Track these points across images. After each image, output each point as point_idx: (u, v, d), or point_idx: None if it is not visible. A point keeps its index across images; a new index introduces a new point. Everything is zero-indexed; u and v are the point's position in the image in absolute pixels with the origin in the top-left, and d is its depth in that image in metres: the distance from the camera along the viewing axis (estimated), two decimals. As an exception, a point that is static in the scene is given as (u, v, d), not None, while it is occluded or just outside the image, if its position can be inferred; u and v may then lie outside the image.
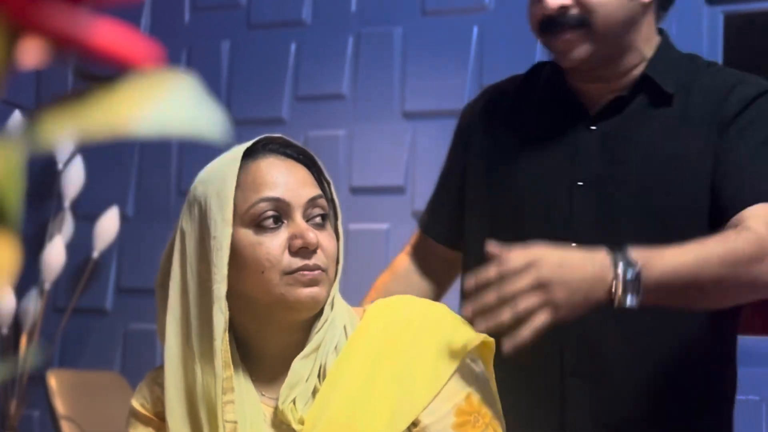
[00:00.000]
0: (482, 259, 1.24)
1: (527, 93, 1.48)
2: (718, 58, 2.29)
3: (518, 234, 1.35)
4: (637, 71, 1.37)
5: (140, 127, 0.25)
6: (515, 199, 1.44)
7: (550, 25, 1.32)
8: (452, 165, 1.57)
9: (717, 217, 1.31)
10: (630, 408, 1.37)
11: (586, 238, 1.32)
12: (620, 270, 1.06)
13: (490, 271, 1.03)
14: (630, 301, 1.06)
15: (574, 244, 1.33)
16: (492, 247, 1.06)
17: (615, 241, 1.24)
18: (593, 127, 1.39)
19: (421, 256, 1.54)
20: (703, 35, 2.32)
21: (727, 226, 1.28)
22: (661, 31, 1.43)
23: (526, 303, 1.00)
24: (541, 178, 1.44)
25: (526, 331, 1.02)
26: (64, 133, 0.26)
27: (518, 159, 1.47)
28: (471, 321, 1.09)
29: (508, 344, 1.06)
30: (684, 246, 1.16)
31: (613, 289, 1.06)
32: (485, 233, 1.38)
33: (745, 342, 1.88)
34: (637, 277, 1.07)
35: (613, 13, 1.33)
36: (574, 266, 1.07)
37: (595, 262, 1.08)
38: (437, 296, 1.44)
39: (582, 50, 1.32)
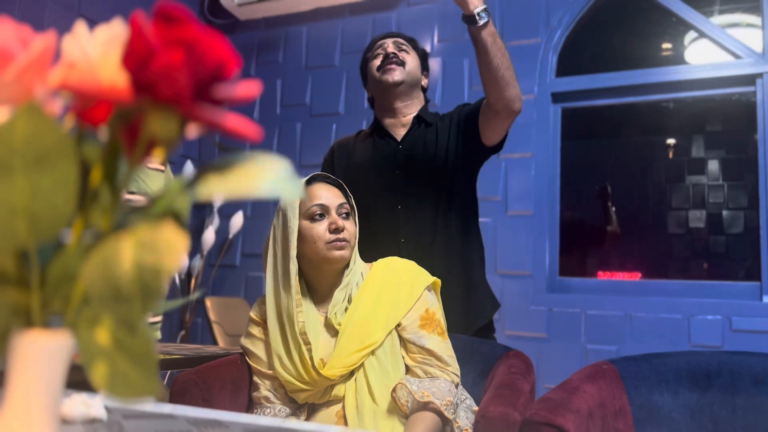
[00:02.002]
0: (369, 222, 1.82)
1: (360, 136, 2.09)
2: (558, 130, 3.17)
3: (370, 199, 1.87)
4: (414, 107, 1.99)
5: (257, 193, 0.35)
6: (368, 184, 1.91)
7: (386, 59, 1.95)
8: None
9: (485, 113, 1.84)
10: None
11: (403, 199, 1.90)
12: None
13: None
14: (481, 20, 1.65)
15: (399, 206, 1.89)
16: None
17: (409, 197, 1.88)
18: (400, 146, 1.97)
19: None
20: (550, 118, 3.15)
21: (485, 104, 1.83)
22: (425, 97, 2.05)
23: None
24: (379, 172, 1.95)
25: None
26: (213, 192, 0.36)
27: (366, 165, 1.98)
28: None
29: None
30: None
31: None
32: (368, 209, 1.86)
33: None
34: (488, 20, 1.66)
35: (414, 72, 1.98)
36: None
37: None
38: None
39: (400, 76, 1.95)
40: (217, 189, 0.37)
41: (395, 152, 1.95)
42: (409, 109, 1.98)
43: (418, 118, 1.97)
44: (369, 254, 1.66)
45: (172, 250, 0.34)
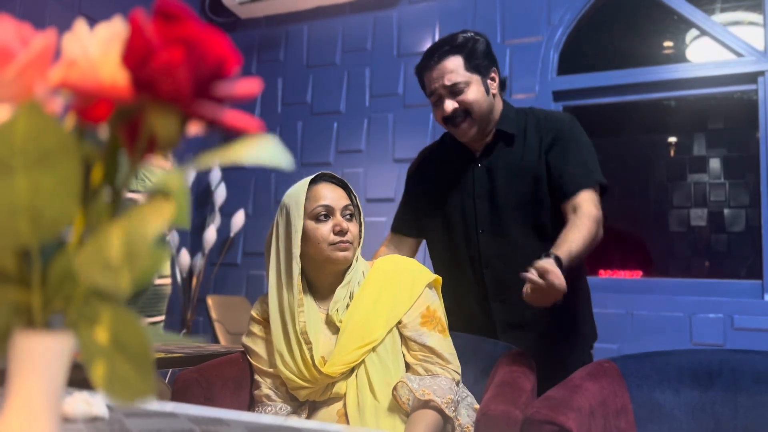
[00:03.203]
0: (439, 246, 1.78)
1: (442, 150, 1.91)
2: None
3: (451, 225, 1.79)
4: (494, 128, 1.79)
5: (248, 158, 0.36)
6: (446, 207, 1.83)
7: (449, 120, 1.74)
8: (407, 195, 1.97)
9: (559, 199, 1.69)
10: (522, 318, 1.75)
11: (484, 225, 1.77)
12: (554, 260, 1.41)
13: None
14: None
15: (480, 230, 1.76)
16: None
17: (500, 222, 1.73)
18: (479, 165, 1.81)
19: (394, 245, 1.95)
20: None
21: (569, 207, 1.65)
22: (502, 99, 1.82)
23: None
24: (458, 194, 1.82)
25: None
26: (211, 161, 0.37)
27: (445, 186, 1.84)
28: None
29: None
30: (570, 240, 1.51)
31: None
32: (438, 229, 1.85)
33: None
34: (559, 260, 1.43)
35: (481, 106, 1.73)
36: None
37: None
38: None
39: (471, 129, 1.75)
40: (213, 159, 0.37)
41: (474, 173, 1.82)
42: (489, 127, 1.80)
43: (498, 133, 1.79)
44: (446, 286, 1.60)
45: (157, 214, 0.34)
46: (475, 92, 1.72)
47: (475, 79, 1.73)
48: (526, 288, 1.38)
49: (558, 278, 1.36)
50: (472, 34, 1.77)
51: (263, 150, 0.37)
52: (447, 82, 1.71)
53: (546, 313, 1.59)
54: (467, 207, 1.80)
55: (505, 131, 1.78)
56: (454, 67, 1.71)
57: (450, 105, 1.71)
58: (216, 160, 0.37)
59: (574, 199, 1.67)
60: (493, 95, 1.77)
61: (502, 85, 1.81)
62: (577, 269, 1.67)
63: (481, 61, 1.74)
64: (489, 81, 1.76)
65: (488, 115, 1.76)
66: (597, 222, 1.62)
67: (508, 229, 1.76)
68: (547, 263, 1.38)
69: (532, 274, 1.37)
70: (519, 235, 1.75)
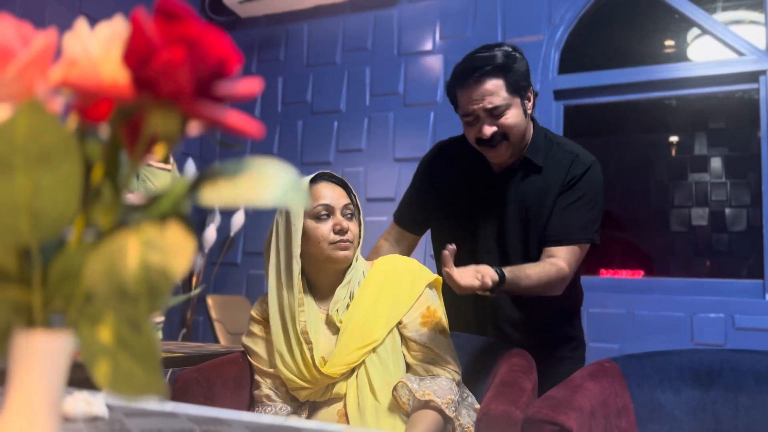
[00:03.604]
0: (442, 242, 1.56)
1: (462, 152, 1.79)
2: (560, 128, 3.16)
3: (457, 235, 1.68)
4: (521, 153, 1.71)
5: (262, 201, 0.35)
6: (457, 216, 1.80)
7: (485, 143, 1.65)
8: (415, 189, 1.91)
9: (542, 240, 1.67)
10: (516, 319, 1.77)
11: (491, 248, 1.75)
12: (497, 273, 1.43)
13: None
14: (497, 288, 1.43)
15: (486, 251, 1.75)
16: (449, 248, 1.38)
17: (505, 249, 1.72)
18: (498, 187, 1.74)
19: (394, 238, 1.93)
20: (552, 116, 3.15)
21: (544, 254, 1.64)
22: (532, 118, 1.74)
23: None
24: (471, 208, 1.78)
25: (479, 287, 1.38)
26: (218, 199, 0.36)
27: (459, 194, 1.80)
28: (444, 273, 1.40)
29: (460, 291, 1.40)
30: (525, 269, 1.53)
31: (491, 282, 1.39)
32: (445, 233, 1.78)
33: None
34: (502, 279, 1.45)
35: (519, 129, 1.65)
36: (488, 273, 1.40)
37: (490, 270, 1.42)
38: None
39: (507, 153, 1.68)
40: (223, 196, 0.36)
41: (491, 193, 1.77)
42: (519, 151, 1.74)
43: (525, 162, 1.73)
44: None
45: (180, 251, 0.34)
46: (515, 116, 1.64)
47: (516, 102, 1.64)
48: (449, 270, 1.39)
49: (465, 279, 1.37)
50: (510, 49, 1.67)
51: (276, 189, 0.36)
52: (488, 105, 1.61)
53: (544, 317, 1.64)
54: (479, 225, 1.77)
55: (533, 162, 1.72)
56: (495, 89, 1.61)
57: (489, 129, 1.62)
58: (223, 198, 0.37)
59: (554, 249, 1.65)
60: (530, 117, 1.71)
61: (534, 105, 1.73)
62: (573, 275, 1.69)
63: (522, 82, 1.65)
64: (526, 102, 1.68)
65: (524, 137, 1.70)
66: (561, 278, 1.61)
67: (511, 258, 1.71)
68: (482, 267, 1.41)
69: (449, 267, 1.39)
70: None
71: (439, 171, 1.86)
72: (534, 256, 1.69)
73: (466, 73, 1.64)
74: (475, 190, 1.78)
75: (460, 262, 1.58)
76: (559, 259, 1.62)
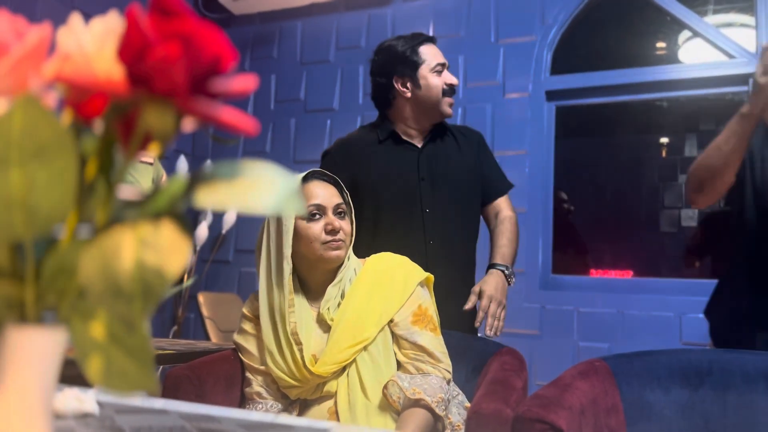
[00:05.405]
0: (374, 225, 1.91)
1: (371, 137, 2.02)
2: (552, 128, 3.22)
3: (391, 206, 1.94)
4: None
5: (258, 209, 0.35)
6: (383, 188, 1.93)
7: (449, 92, 1.97)
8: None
9: (482, 201, 2.04)
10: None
11: (430, 205, 1.94)
12: (508, 273, 1.90)
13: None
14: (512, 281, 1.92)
15: (426, 209, 1.93)
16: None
17: (435, 202, 1.93)
18: (422, 152, 2.00)
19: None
20: (544, 116, 3.20)
21: (491, 209, 2.04)
22: None
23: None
24: (396, 179, 1.96)
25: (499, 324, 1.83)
26: (213, 204, 0.36)
27: (382, 170, 1.95)
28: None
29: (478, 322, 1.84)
30: (502, 245, 1.94)
31: (509, 281, 1.92)
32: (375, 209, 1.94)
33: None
34: (512, 272, 1.91)
35: None
36: (499, 285, 1.85)
37: (502, 276, 1.87)
38: None
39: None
40: (218, 201, 0.36)
41: (418, 158, 1.99)
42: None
43: (438, 126, 2.02)
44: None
45: (176, 252, 0.34)
46: None
47: None
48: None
49: (493, 305, 1.82)
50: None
51: (271, 197, 0.36)
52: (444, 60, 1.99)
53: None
54: (410, 189, 1.95)
55: (447, 128, 2.05)
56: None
57: (453, 77, 1.99)
58: (218, 204, 0.36)
59: (496, 204, 2.05)
60: None
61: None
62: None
63: None
64: None
65: None
66: (516, 222, 2.03)
67: (449, 211, 1.97)
68: (490, 288, 1.85)
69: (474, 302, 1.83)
70: (458, 216, 2.00)
71: (353, 161, 2.03)
72: (468, 204, 2.02)
73: (427, 36, 2.01)
74: (402, 163, 1.99)
75: (400, 224, 1.95)
76: (504, 211, 2.03)
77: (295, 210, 0.37)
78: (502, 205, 2.05)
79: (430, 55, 1.97)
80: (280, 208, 0.36)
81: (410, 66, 1.96)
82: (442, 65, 1.96)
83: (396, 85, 1.97)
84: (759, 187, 1.60)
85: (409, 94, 1.96)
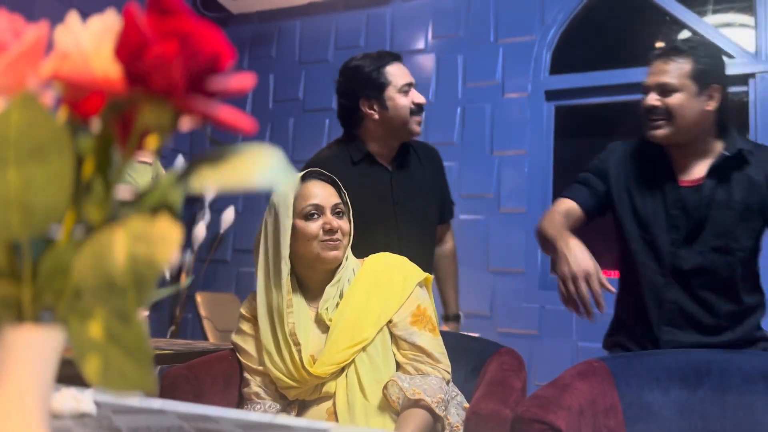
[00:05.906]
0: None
1: (345, 157, 1.91)
2: (551, 128, 3.20)
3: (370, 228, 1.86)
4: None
5: (250, 185, 0.35)
6: (358, 215, 1.64)
7: (416, 112, 1.91)
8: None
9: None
10: None
11: (401, 229, 1.96)
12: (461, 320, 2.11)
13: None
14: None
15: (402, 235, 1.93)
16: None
17: (409, 226, 1.94)
18: (394, 177, 1.96)
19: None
20: (543, 116, 3.21)
21: (438, 231, 2.06)
22: None
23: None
24: (372, 205, 1.89)
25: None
26: (205, 185, 0.36)
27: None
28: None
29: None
30: (451, 291, 2.15)
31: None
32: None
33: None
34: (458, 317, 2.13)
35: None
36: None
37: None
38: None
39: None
40: (210, 181, 0.36)
41: (391, 181, 1.97)
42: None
43: (405, 145, 2.00)
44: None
45: (165, 241, 0.34)
46: None
47: None
48: None
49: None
50: None
51: (263, 172, 0.36)
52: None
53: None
54: (388, 214, 1.94)
55: (409, 146, 2.02)
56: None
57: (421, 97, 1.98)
58: (211, 183, 0.36)
59: (445, 227, 2.14)
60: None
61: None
62: None
63: None
64: None
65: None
66: (456, 255, 2.18)
67: (421, 233, 1.99)
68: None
69: None
70: (427, 238, 2.02)
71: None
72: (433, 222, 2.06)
73: (394, 55, 2.00)
74: (377, 186, 1.97)
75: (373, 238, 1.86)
76: (449, 241, 2.16)
77: (288, 183, 0.37)
78: (447, 235, 2.15)
79: (396, 75, 1.93)
80: (273, 182, 0.36)
81: (377, 88, 1.91)
82: (409, 84, 1.93)
83: (363, 108, 1.93)
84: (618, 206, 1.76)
85: (376, 116, 1.92)
